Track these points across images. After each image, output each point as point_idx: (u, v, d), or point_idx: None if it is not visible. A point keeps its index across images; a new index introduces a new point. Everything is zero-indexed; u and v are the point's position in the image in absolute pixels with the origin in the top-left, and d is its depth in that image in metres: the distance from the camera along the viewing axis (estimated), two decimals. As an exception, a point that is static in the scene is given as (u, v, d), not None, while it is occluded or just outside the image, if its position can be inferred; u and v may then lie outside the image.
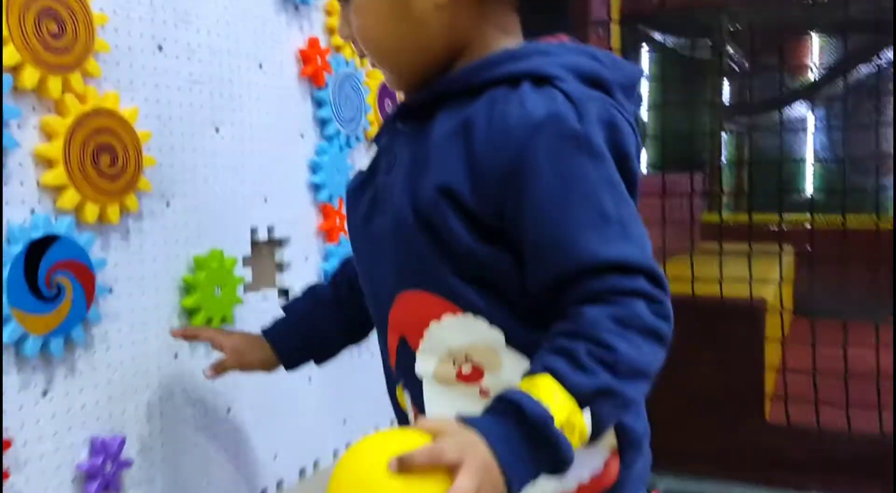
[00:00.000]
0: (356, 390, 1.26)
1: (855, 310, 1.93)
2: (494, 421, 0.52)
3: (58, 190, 0.78)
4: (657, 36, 3.94)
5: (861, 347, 1.82)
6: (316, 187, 1.17)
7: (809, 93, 4.36)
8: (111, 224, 0.84)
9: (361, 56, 0.72)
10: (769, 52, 3.62)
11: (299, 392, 1.15)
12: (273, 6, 1.09)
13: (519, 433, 0.52)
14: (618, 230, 0.58)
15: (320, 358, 0.87)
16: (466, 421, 0.53)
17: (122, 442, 0.86)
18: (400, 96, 0.74)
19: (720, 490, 1.83)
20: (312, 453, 1.18)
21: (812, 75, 4.43)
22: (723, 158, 3.90)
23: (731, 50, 4.10)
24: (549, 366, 0.55)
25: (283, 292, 1.13)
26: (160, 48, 0.91)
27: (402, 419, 0.75)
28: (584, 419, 0.54)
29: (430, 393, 0.67)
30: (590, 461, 0.65)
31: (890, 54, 3.70)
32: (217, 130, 1.00)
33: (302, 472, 1.16)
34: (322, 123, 1.18)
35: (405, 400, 0.72)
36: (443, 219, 0.61)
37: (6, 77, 0.73)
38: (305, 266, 1.17)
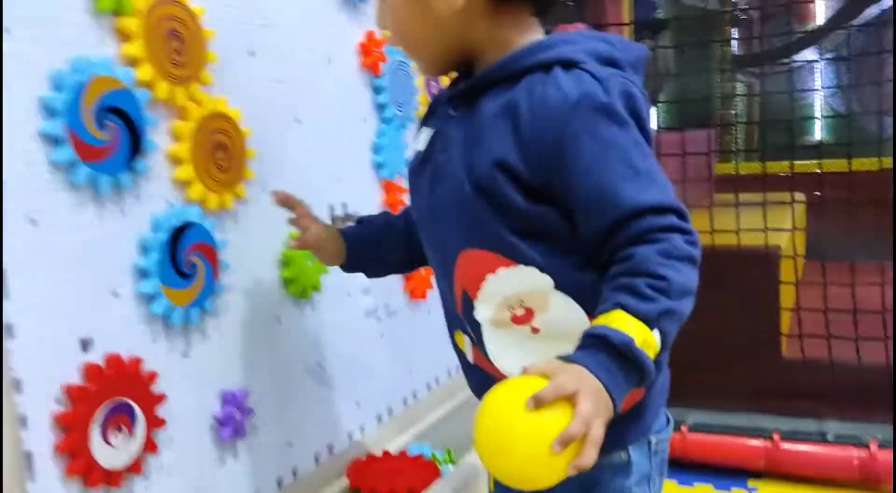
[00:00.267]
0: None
1: (862, 251, 2.04)
2: (590, 354, 0.63)
3: (187, 184, 0.93)
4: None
5: (868, 286, 1.94)
6: (378, 166, 1.31)
7: (816, 39, 4.38)
8: (227, 210, 0.99)
9: (394, 44, 0.86)
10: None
11: (373, 348, 1.31)
12: (336, 6, 1.22)
13: (611, 359, 0.63)
14: (648, 180, 0.70)
15: (373, 273, 1.01)
16: (567, 359, 0.63)
17: (247, 393, 1.03)
18: (444, 81, 0.86)
19: (743, 421, 1.97)
20: (387, 401, 1.35)
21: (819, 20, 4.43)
22: (733, 110, 3.96)
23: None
24: (618, 302, 0.66)
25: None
26: (252, 54, 1.04)
27: (461, 358, 0.88)
28: (655, 337, 0.65)
29: (488, 335, 0.79)
30: None
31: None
32: (299, 121, 1.13)
33: (379, 417, 1.33)
34: (380, 108, 1.31)
35: (464, 343, 0.84)
36: (499, 187, 0.73)
37: (144, 92, 0.87)
38: (373, 237, 1.31)
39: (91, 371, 0.82)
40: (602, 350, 0.63)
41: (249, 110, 1.03)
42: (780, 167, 2.39)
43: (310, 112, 1.15)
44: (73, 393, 0.80)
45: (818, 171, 2.19)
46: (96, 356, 0.83)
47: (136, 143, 0.85)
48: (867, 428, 1.85)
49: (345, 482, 1.21)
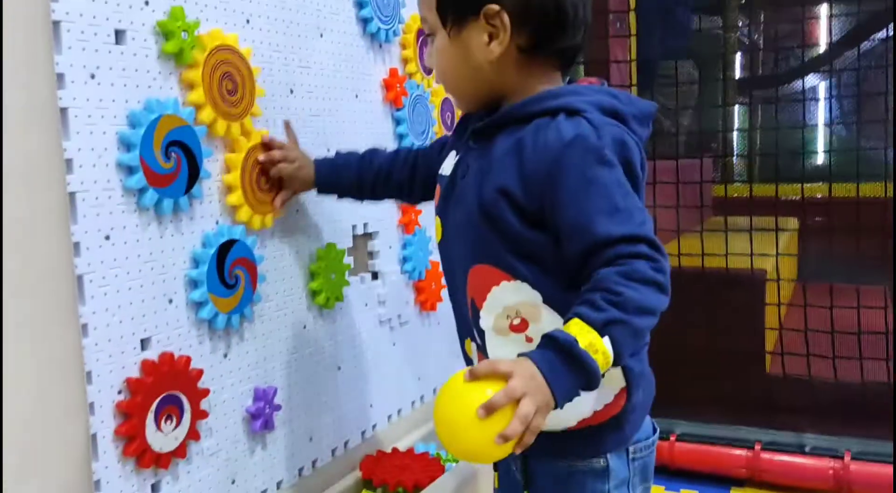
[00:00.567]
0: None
1: (843, 275, 2.18)
2: (538, 352, 0.72)
3: (236, 208, 1.06)
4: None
5: (846, 308, 2.07)
6: (397, 189, 1.44)
7: (821, 64, 4.45)
8: (266, 229, 1.13)
9: (437, 82, 0.98)
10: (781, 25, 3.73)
11: (386, 354, 1.44)
12: (363, 46, 1.35)
13: (556, 356, 0.71)
14: (625, 215, 0.77)
15: (341, 196, 1.17)
16: (522, 355, 0.72)
17: (275, 391, 1.16)
18: (457, 112, 0.99)
19: (728, 432, 2.09)
20: (397, 403, 1.48)
21: (823, 47, 4.49)
22: (734, 135, 4.04)
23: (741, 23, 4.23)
24: (576, 311, 0.74)
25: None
26: (292, 91, 1.18)
27: (469, 364, 0.94)
28: (606, 345, 0.72)
29: (490, 341, 0.88)
30: (603, 397, 0.86)
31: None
32: (330, 150, 1.27)
33: (389, 417, 1.46)
34: (400, 138, 1.45)
35: (472, 350, 0.94)
36: (500, 212, 0.82)
37: (202, 128, 1.00)
38: (389, 253, 1.45)
39: (148, 367, 0.95)
40: (549, 349, 0.72)
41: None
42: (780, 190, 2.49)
43: (340, 142, 1.28)
44: (132, 385, 0.93)
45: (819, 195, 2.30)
46: (153, 354, 0.96)
47: (193, 171, 0.99)
48: (842, 441, 1.98)
49: (358, 474, 1.33)
